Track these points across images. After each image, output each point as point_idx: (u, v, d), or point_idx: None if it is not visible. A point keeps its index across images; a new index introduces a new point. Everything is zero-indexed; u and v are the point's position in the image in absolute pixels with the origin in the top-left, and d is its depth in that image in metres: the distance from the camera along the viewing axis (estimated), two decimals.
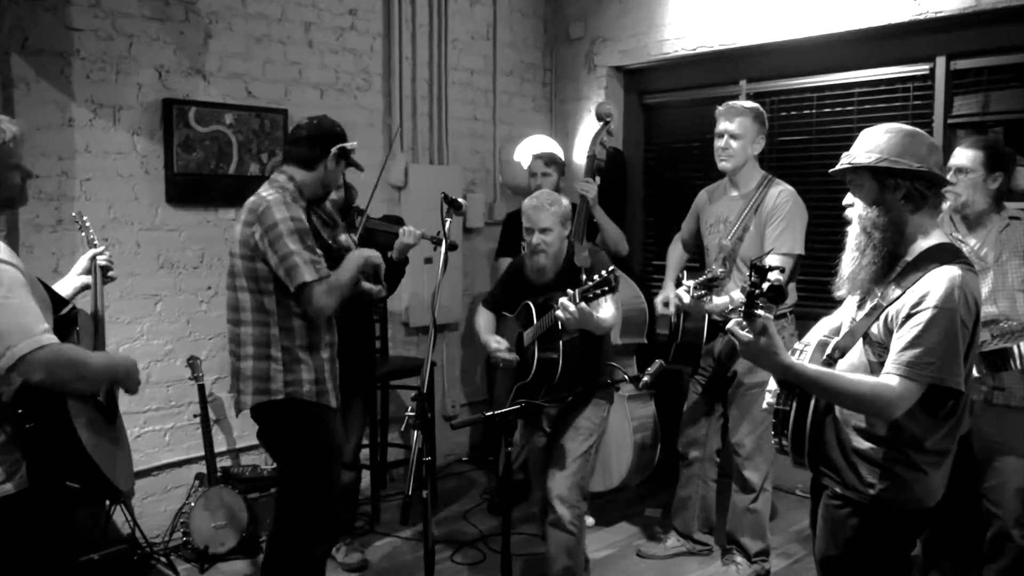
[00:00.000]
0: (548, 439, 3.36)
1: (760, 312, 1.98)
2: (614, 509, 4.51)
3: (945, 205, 3.12)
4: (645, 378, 2.81)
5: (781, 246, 3.49)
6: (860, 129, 2.26)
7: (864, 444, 2.12)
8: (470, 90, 5.31)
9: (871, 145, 2.12)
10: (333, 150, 2.93)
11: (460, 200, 3.12)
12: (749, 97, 4.68)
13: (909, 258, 2.11)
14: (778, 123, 4.62)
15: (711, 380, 3.78)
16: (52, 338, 2.05)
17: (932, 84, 4.10)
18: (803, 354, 2.29)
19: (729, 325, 2.04)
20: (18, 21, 3.58)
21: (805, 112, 4.63)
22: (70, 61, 3.72)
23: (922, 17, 3.92)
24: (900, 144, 2.09)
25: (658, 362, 2.84)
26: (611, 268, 2.83)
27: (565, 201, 3.30)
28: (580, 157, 5.44)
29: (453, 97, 5.18)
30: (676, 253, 4.06)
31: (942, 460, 2.15)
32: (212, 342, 4.20)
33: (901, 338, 2.01)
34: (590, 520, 4.35)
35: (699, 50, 4.80)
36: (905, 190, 2.09)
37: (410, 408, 2.69)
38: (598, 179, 4.09)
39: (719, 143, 3.64)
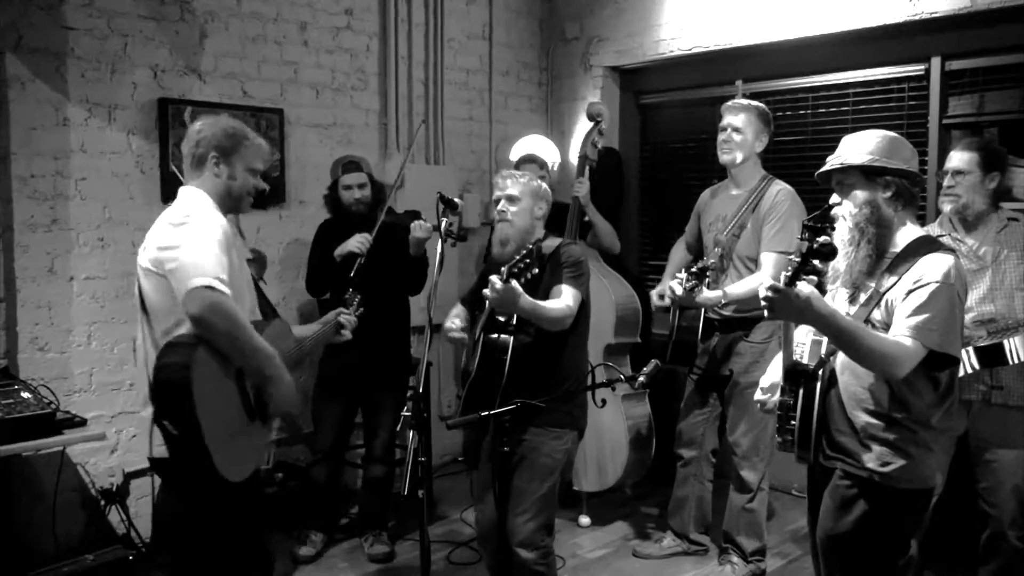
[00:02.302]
0: (501, 458, 2.70)
1: (808, 277, 2.04)
2: (609, 509, 4.51)
3: (946, 208, 3.14)
4: (641, 378, 2.77)
5: (777, 245, 3.49)
6: (855, 129, 2.41)
7: (877, 425, 2.24)
8: (466, 90, 5.31)
9: (860, 148, 2.29)
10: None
11: (456, 200, 3.12)
12: (745, 97, 4.68)
13: (897, 250, 2.26)
14: (774, 123, 4.63)
15: (707, 379, 3.78)
16: (223, 287, 2.22)
17: (927, 85, 4.10)
18: (801, 354, 2.38)
19: (768, 282, 2.10)
20: (12, 20, 3.57)
21: (801, 112, 4.63)
22: (65, 60, 3.71)
23: (917, 18, 3.93)
24: (888, 147, 2.27)
25: (654, 362, 2.82)
26: (533, 243, 2.62)
27: (542, 185, 3.05)
28: (575, 157, 5.45)
29: (449, 97, 5.19)
30: (679, 253, 4.06)
31: (943, 438, 2.34)
32: None
33: (906, 307, 2.16)
34: (585, 520, 4.35)
35: (695, 50, 4.81)
36: (896, 187, 2.26)
37: (406, 408, 2.69)
38: (587, 178, 4.07)
39: (721, 136, 3.66)
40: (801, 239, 2.05)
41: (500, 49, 5.44)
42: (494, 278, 2.60)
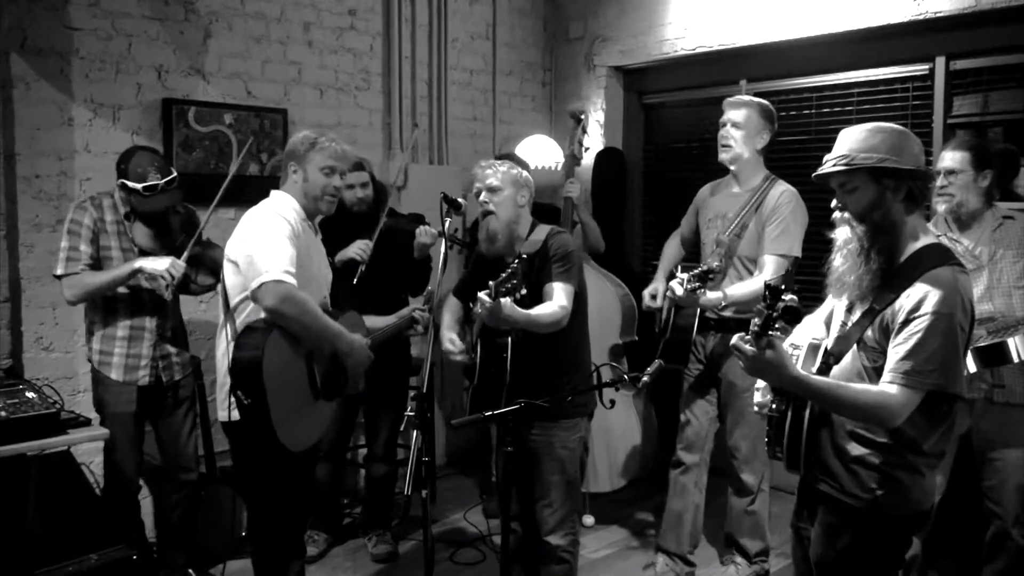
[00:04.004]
0: (506, 458, 2.70)
1: (774, 334, 1.91)
2: (613, 509, 4.51)
3: (941, 208, 3.13)
4: (644, 378, 2.76)
5: (779, 247, 3.46)
6: None
7: (863, 450, 2.11)
8: (469, 90, 5.31)
9: (865, 145, 2.06)
10: (116, 182, 3.25)
11: (460, 200, 3.11)
12: None
13: (901, 259, 2.06)
14: (777, 123, 4.62)
15: (704, 381, 3.69)
16: (290, 278, 2.50)
17: (931, 84, 4.10)
18: (796, 358, 2.23)
19: (733, 340, 1.99)
20: (17, 20, 3.58)
21: (805, 112, 4.63)
22: (69, 61, 3.72)
23: (921, 17, 3.92)
24: (899, 144, 2.05)
25: (658, 362, 2.81)
26: (520, 256, 2.58)
27: (522, 172, 3.04)
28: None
29: (452, 97, 5.19)
30: (672, 248, 3.99)
31: (938, 462, 2.15)
32: (211, 342, 4.20)
33: (900, 346, 1.98)
34: (590, 519, 4.34)
35: (699, 50, 4.80)
36: (907, 190, 2.04)
37: (410, 408, 2.69)
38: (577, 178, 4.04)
39: (721, 131, 3.61)
40: (763, 298, 1.87)
41: (504, 49, 5.44)
42: (483, 295, 2.57)
